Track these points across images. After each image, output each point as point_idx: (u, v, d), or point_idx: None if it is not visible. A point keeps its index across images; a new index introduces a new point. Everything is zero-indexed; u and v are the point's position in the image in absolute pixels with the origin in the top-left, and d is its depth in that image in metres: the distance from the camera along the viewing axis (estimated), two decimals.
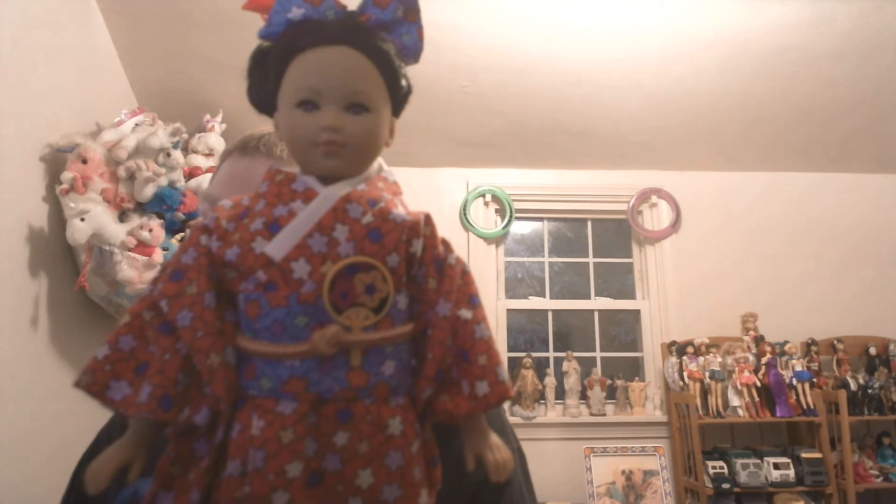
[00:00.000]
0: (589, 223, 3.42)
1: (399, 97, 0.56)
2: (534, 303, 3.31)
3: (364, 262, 0.49)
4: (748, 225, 3.30)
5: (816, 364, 2.99)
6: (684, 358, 2.95)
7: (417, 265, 0.52)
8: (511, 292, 3.30)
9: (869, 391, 2.92)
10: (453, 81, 2.72)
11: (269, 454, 0.45)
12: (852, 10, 2.45)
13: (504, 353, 3.12)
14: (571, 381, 3.06)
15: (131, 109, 2.25)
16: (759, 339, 3.00)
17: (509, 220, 3.22)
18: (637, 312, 3.30)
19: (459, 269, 0.53)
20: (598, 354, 3.25)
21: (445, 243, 0.54)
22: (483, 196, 3.25)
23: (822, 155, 3.27)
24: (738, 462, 2.75)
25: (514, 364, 3.06)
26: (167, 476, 0.48)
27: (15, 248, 1.81)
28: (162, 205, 2.09)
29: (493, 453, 0.50)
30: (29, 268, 1.86)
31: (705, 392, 2.90)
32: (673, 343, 3.01)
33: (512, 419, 2.87)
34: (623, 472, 2.82)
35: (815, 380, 2.91)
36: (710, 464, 2.76)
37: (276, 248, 0.49)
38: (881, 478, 2.83)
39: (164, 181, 2.08)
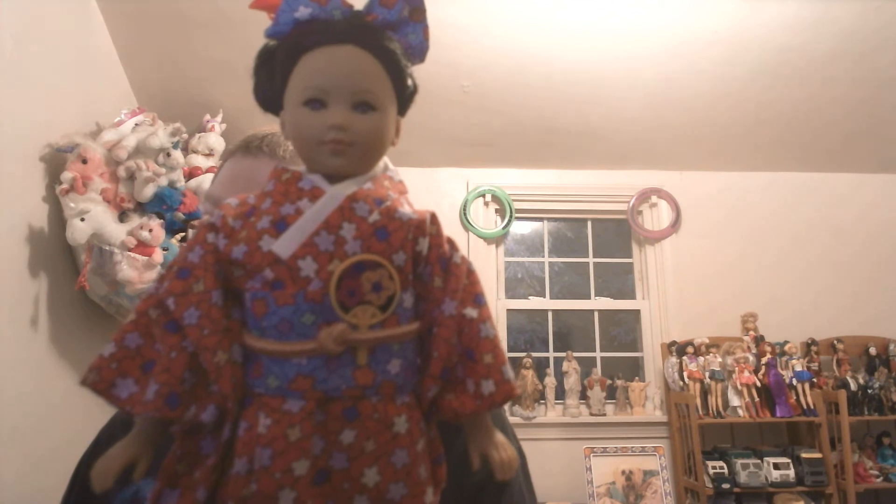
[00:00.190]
0: (589, 223, 3.42)
1: (405, 96, 0.56)
2: (534, 303, 3.31)
3: (371, 260, 0.49)
4: (748, 225, 3.30)
5: (816, 364, 2.99)
6: (684, 358, 2.95)
7: (423, 264, 0.52)
8: (511, 292, 3.30)
9: (869, 391, 2.92)
10: (453, 81, 2.72)
11: (276, 452, 0.45)
12: (852, 10, 2.45)
13: None
14: (571, 381, 3.06)
15: (131, 109, 2.25)
16: (759, 339, 3.01)
17: (509, 220, 3.22)
18: (637, 312, 3.30)
19: (465, 268, 0.53)
20: (598, 354, 3.25)
21: (451, 242, 0.54)
22: (483, 196, 3.25)
23: (822, 155, 3.27)
24: (738, 462, 2.75)
25: (514, 364, 3.06)
26: (173, 474, 0.48)
27: (15, 248, 1.81)
28: (162, 205, 2.08)
29: (498, 452, 0.50)
30: (29, 268, 1.86)
31: (705, 392, 2.90)
32: (673, 343, 3.01)
33: (512, 419, 2.86)
34: (623, 472, 2.82)
35: (815, 380, 2.91)
36: (710, 464, 2.76)
37: (284, 246, 0.49)
38: (881, 478, 2.83)
39: (164, 181, 2.08)
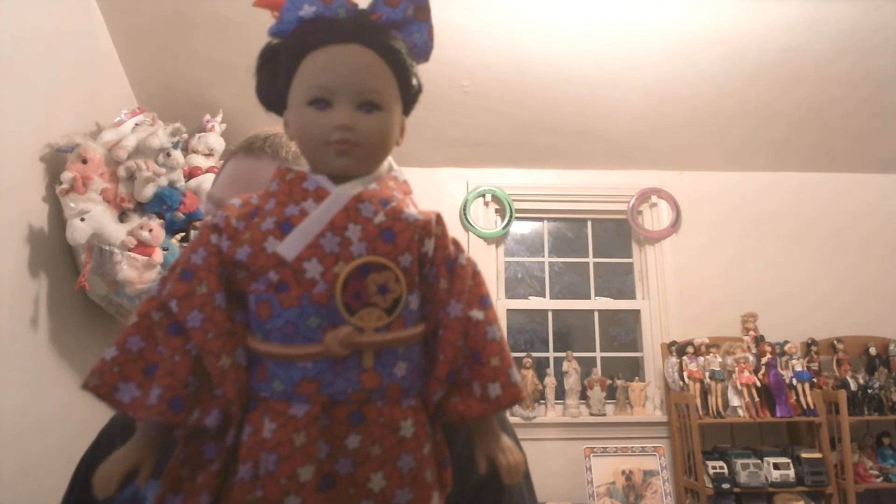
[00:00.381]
0: (589, 223, 3.42)
1: (410, 96, 0.56)
2: (534, 303, 3.30)
3: (377, 262, 0.48)
4: (748, 225, 3.30)
5: (816, 364, 2.99)
6: (684, 358, 2.95)
7: (429, 265, 0.52)
8: (511, 292, 3.30)
9: (869, 391, 2.92)
10: (453, 81, 2.72)
11: (282, 457, 0.44)
12: (852, 10, 2.45)
13: None
14: (571, 381, 3.05)
15: (131, 109, 2.24)
16: (759, 339, 3.00)
17: (509, 220, 3.22)
18: (637, 312, 3.29)
19: (470, 270, 0.53)
20: (598, 354, 3.24)
21: (456, 243, 0.54)
22: (483, 196, 3.25)
23: (822, 155, 3.27)
24: (738, 462, 2.75)
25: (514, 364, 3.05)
26: (175, 478, 0.48)
27: (15, 248, 1.81)
28: (162, 205, 2.08)
29: (505, 456, 0.49)
30: (29, 268, 1.86)
31: (705, 392, 2.90)
32: (673, 343, 3.01)
33: (512, 419, 2.86)
34: (623, 472, 2.82)
35: (815, 380, 2.91)
36: (710, 464, 2.76)
37: (289, 247, 0.48)
38: (881, 478, 2.83)
39: (164, 181, 2.08)
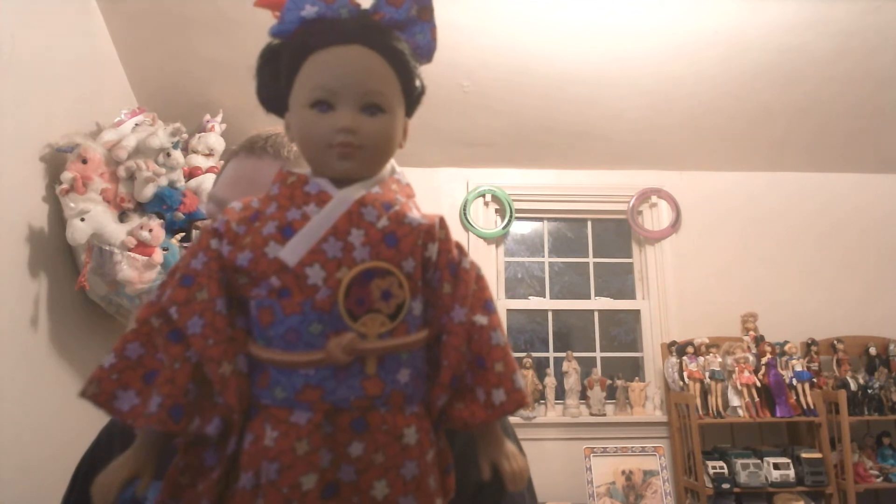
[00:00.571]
0: (589, 223, 3.42)
1: (413, 97, 0.55)
2: (534, 303, 3.30)
3: (380, 267, 0.47)
4: (748, 225, 3.30)
5: (816, 364, 2.99)
6: (684, 358, 2.95)
7: (432, 270, 0.51)
8: (511, 292, 3.30)
9: (869, 391, 2.92)
10: (453, 81, 2.72)
11: (284, 466, 0.44)
12: (852, 10, 2.45)
13: None
14: (571, 381, 3.05)
15: (131, 109, 2.24)
16: (759, 339, 3.00)
17: (509, 220, 3.22)
18: (637, 312, 3.29)
19: (474, 274, 0.52)
20: (598, 354, 3.24)
21: (459, 247, 0.53)
22: (483, 196, 3.25)
23: (823, 155, 3.26)
24: (738, 462, 2.75)
25: None
26: (176, 486, 0.47)
27: (15, 248, 1.81)
28: (162, 205, 2.08)
29: (509, 462, 0.49)
30: (29, 268, 1.85)
31: (705, 392, 2.90)
32: (673, 343, 3.01)
33: (512, 419, 2.86)
34: (623, 472, 2.81)
35: (815, 380, 2.91)
36: (710, 464, 2.76)
37: (291, 252, 0.47)
38: (881, 478, 2.83)
39: (164, 181, 2.07)
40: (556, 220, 3.44)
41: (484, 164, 3.25)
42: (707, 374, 2.90)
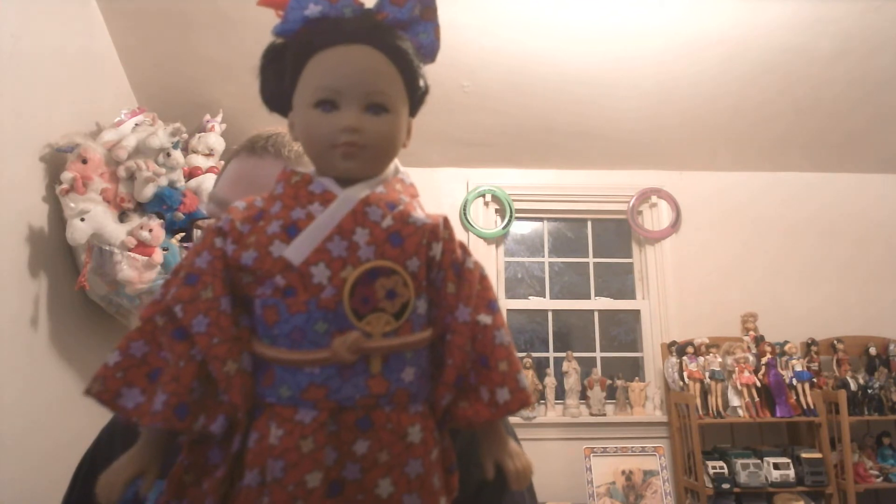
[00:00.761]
0: (589, 223, 3.42)
1: (417, 97, 0.55)
2: (534, 303, 3.30)
3: (385, 266, 0.48)
4: (748, 225, 3.30)
5: (816, 364, 2.99)
6: (684, 358, 2.95)
7: (436, 269, 0.51)
8: (511, 292, 3.30)
9: (869, 391, 2.92)
10: (453, 81, 2.72)
11: (289, 464, 0.44)
12: (852, 10, 2.45)
13: None
14: (571, 381, 3.05)
15: (131, 109, 2.24)
16: (759, 339, 3.00)
17: (509, 220, 3.22)
18: (637, 312, 3.29)
19: (478, 274, 0.52)
20: (598, 354, 3.24)
21: (463, 247, 0.53)
22: (483, 196, 3.25)
23: (823, 155, 3.27)
24: (738, 462, 2.75)
25: None
26: (180, 484, 0.47)
27: (15, 248, 1.81)
28: (162, 205, 2.08)
29: (513, 461, 0.49)
30: (29, 268, 1.85)
31: (705, 392, 2.90)
32: (673, 343, 3.01)
33: (512, 419, 2.86)
34: (623, 472, 2.82)
35: (815, 380, 2.91)
36: (710, 464, 2.76)
37: (296, 252, 0.47)
38: (881, 478, 2.83)
39: (164, 181, 2.07)
40: (556, 220, 3.44)
41: (484, 164, 3.25)
42: (707, 374, 2.90)
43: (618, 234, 3.42)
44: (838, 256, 3.27)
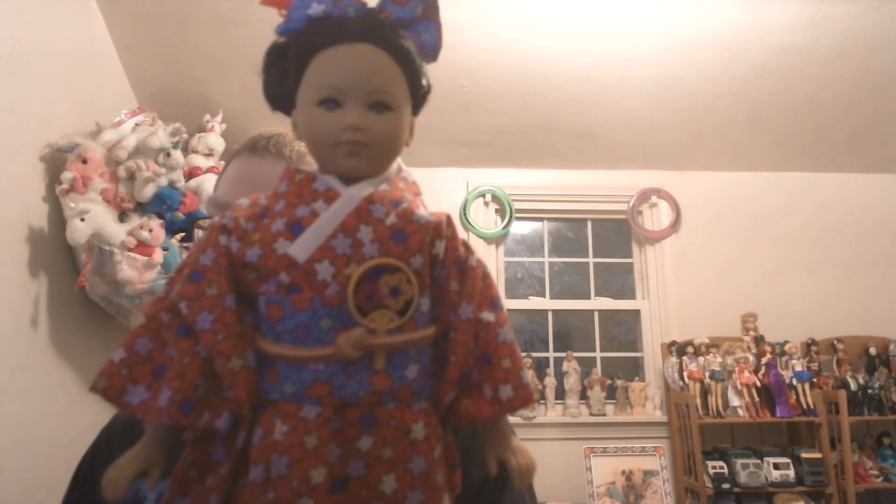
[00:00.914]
0: (589, 223, 3.42)
1: (419, 96, 0.55)
2: (534, 303, 3.30)
3: (389, 263, 0.48)
4: (748, 225, 3.30)
5: (816, 364, 2.99)
6: (684, 358, 2.95)
7: (439, 267, 0.51)
8: (511, 292, 3.30)
9: (869, 391, 2.92)
10: (453, 81, 2.72)
11: (293, 460, 0.44)
12: (852, 10, 2.45)
13: None
14: (571, 381, 3.05)
15: (131, 109, 2.24)
16: (759, 339, 3.00)
17: (509, 220, 3.22)
18: (637, 312, 3.29)
19: (481, 272, 0.52)
20: (598, 354, 3.24)
21: (466, 245, 0.53)
22: (483, 196, 3.25)
23: (823, 155, 3.27)
24: (738, 462, 2.75)
25: None
26: (184, 481, 0.47)
27: (15, 248, 1.81)
28: (162, 205, 2.08)
29: (516, 458, 0.49)
30: (29, 268, 1.85)
31: (705, 392, 2.90)
32: (673, 343, 3.01)
33: (512, 419, 2.86)
34: (623, 472, 2.82)
35: (815, 380, 2.91)
36: (710, 464, 2.76)
37: (300, 249, 0.48)
38: (881, 478, 2.83)
39: (164, 181, 2.08)
40: (556, 220, 3.44)
41: (484, 164, 3.25)
42: (707, 374, 2.90)
43: (618, 234, 3.42)
44: (838, 256, 3.27)
